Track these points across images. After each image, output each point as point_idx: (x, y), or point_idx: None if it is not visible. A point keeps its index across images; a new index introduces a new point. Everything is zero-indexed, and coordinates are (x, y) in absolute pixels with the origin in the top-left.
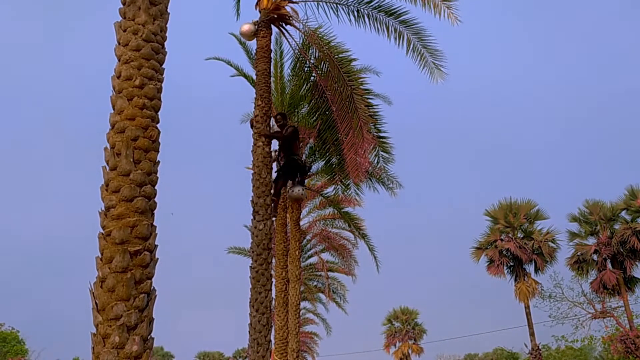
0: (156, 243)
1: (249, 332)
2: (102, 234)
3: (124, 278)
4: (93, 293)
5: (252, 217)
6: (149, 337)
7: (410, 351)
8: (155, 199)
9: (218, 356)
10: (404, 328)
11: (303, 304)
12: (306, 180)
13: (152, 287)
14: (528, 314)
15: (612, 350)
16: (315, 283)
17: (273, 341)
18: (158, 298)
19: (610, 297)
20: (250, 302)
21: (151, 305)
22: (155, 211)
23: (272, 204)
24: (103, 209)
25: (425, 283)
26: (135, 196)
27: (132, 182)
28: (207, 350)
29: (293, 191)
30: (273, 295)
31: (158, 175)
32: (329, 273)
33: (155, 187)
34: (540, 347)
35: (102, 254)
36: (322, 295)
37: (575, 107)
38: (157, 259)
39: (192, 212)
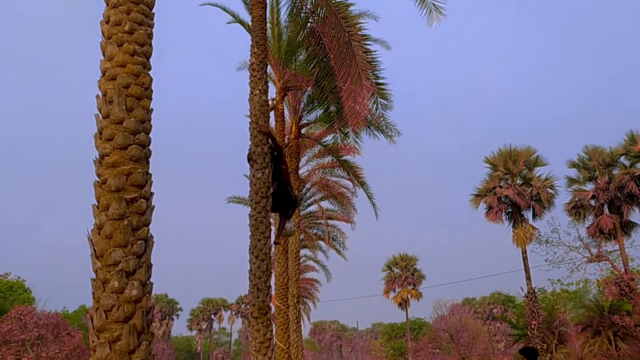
0: (152, 190)
1: (249, 278)
2: (98, 182)
3: (121, 225)
4: (91, 240)
5: (250, 166)
6: (147, 282)
7: (409, 296)
8: (150, 147)
9: (221, 302)
10: (403, 274)
11: (303, 251)
12: (304, 129)
13: (149, 234)
14: (525, 259)
15: (606, 292)
16: (315, 231)
17: (273, 287)
18: (161, 247)
19: (606, 242)
20: (249, 249)
21: (149, 251)
22: (150, 159)
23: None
24: (97, 157)
25: (424, 231)
26: (130, 144)
27: (126, 130)
28: (211, 297)
29: (285, 228)
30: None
31: (152, 123)
32: (328, 221)
33: (150, 135)
34: (535, 291)
35: (98, 202)
36: (322, 243)
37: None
38: (154, 206)
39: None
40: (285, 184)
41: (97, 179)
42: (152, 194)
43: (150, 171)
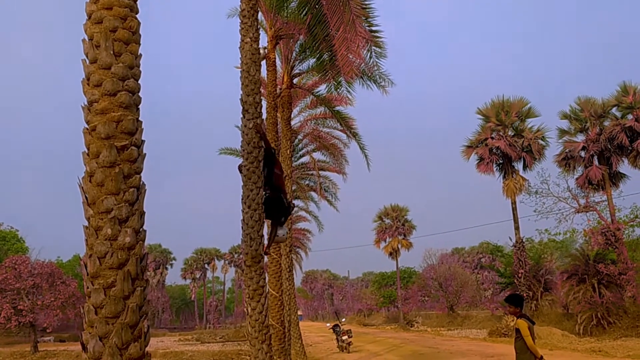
0: (143, 138)
1: (242, 227)
2: (87, 129)
3: (112, 173)
4: (82, 187)
5: (241, 116)
6: (141, 229)
7: (399, 246)
8: (140, 94)
9: (214, 252)
10: (394, 224)
11: (295, 202)
12: (297, 79)
13: (141, 182)
14: (514, 210)
15: (592, 242)
16: (307, 182)
17: (266, 237)
18: (156, 198)
19: (594, 192)
20: (242, 199)
21: (141, 199)
22: (140, 106)
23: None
24: (86, 103)
25: (415, 182)
26: (119, 90)
27: (114, 75)
28: (204, 247)
29: (277, 234)
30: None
31: (140, 69)
32: (320, 172)
33: (139, 82)
34: (523, 240)
35: (88, 149)
36: (314, 194)
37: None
38: (145, 154)
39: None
40: (278, 190)
41: (87, 125)
42: (143, 141)
43: (140, 118)
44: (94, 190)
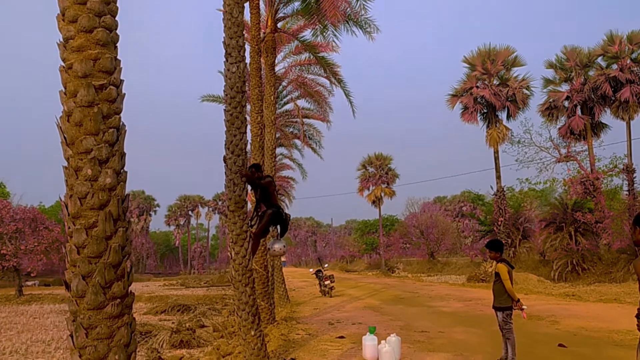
0: (122, 78)
1: (225, 172)
2: (63, 67)
3: (90, 112)
4: (60, 127)
5: (224, 60)
6: (121, 170)
7: (382, 194)
8: (117, 32)
9: (198, 199)
10: (378, 173)
11: (279, 150)
12: (281, 23)
13: (121, 122)
14: (496, 159)
15: (571, 191)
16: (291, 129)
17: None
18: (138, 145)
19: (575, 142)
20: (225, 145)
21: (122, 139)
22: (117, 44)
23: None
24: (61, 40)
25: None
26: (95, 27)
27: (90, 11)
28: (188, 194)
29: (274, 249)
30: (248, 139)
31: (118, 5)
32: (304, 119)
33: (116, 19)
34: (504, 189)
35: (65, 88)
36: (297, 142)
37: None
38: (124, 94)
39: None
40: (277, 207)
41: (63, 64)
42: (122, 81)
43: (119, 57)
44: (73, 130)
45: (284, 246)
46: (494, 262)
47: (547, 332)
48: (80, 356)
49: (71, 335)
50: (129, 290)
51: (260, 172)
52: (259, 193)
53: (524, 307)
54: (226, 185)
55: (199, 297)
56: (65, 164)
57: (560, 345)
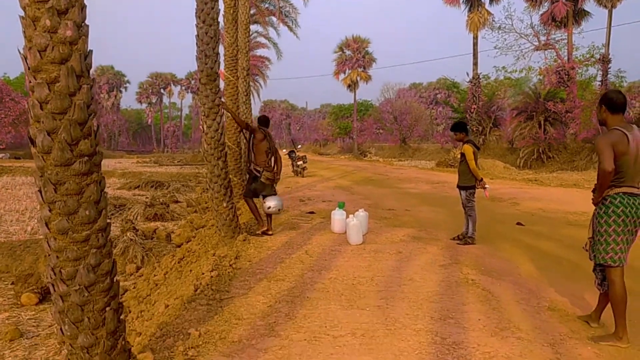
0: None
1: (197, 44)
2: None
3: None
4: None
5: None
6: (83, 24)
7: (358, 78)
8: None
9: (170, 77)
10: (355, 56)
11: (254, 27)
12: None
13: None
14: (475, 45)
15: (546, 81)
16: (266, 5)
17: (222, 58)
18: (105, 16)
19: (556, 30)
20: (196, 13)
21: None
22: None
23: None
24: None
25: (379, 13)
26: None
27: None
28: (160, 71)
29: (270, 207)
30: (221, 9)
31: None
32: None
33: None
34: (480, 77)
35: None
36: (273, 19)
37: None
38: None
39: None
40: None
41: None
42: None
43: None
44: None
45: (280, 202)
46: (460, 144)
47: (507, 213)
48: (50, 210)
49: (39, 191)
50: (97, 150)
51: (267, 126)
52: (251, 143)
53: (486, 186)
54: (197, 57)
55: (173, 174)
56: (22, 13)
57: (518, 223)
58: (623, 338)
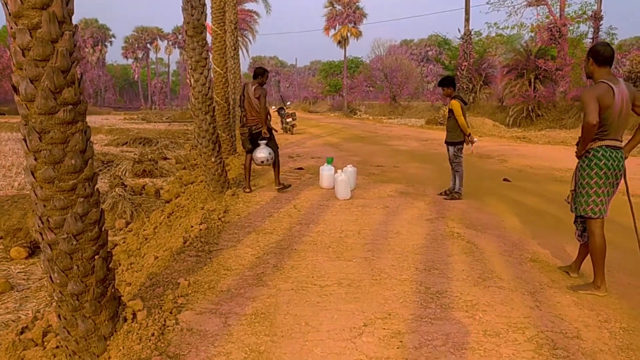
0: None
1: None
2: None
3: None
4: None
5: None
6: None
7: (349, 34)
8: None
9: (157, 31)
10: (345, 11)
11: None
12: None
13: None
14: (467, 0)
15: (537, 38)
16: None
17: (209, 11)
18: None
19: None
20: None
21: None
22: None
23: None
24: None
25: None
26: None
27: None
28: (145, 25)
29: (260, 159)
30: None
31: None
32: None
33: None
34: (472, 33)
35: None
36: None
37: None
38: None
39: None
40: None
41: None
42: None
43: None
44: None
45: (270, 153)
46: (448, 99)
47: (494, 169)
48: (35, 159)
49: (24, 139)
50: (81, 98)
51: (264, 77)
52: (244, 102)
53: (475, 139)
54: (183, 8)
55: (161, 131)
56: None
57: (505, 179)
58: (601, 287)
